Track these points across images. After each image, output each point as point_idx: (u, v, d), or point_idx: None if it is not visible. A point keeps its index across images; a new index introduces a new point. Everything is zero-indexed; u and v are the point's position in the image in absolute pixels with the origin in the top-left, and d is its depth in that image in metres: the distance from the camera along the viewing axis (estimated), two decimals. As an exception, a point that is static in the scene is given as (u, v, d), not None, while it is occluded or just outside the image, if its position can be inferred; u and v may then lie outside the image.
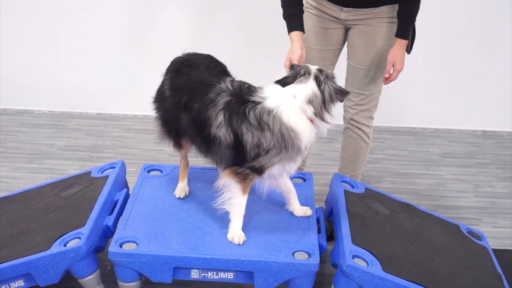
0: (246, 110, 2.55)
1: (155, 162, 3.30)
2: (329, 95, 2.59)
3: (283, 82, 2.64)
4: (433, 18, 4.39)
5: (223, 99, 2.59)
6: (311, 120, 2.59)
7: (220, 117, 2.58)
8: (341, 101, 2.69)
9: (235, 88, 2.63)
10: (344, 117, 3.38)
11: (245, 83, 2.68)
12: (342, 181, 3.15)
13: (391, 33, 3.06)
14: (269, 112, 2.54)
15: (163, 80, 2.94)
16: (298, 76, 2.62)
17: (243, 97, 2.58)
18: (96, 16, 4.46)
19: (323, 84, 2.60)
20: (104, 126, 4.56)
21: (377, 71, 3.15)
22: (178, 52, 4.50)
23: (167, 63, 4.52)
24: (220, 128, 2.59)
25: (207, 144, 2.68)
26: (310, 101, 2.57)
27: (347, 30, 3.16)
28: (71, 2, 4.41)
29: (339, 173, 3.41)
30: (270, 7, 3.40)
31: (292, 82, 2.62)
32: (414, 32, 3.12)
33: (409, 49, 3.13)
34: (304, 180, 3.19)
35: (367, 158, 3.48)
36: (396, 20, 3.02)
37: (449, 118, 4.74)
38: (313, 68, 2.64)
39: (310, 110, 2.57)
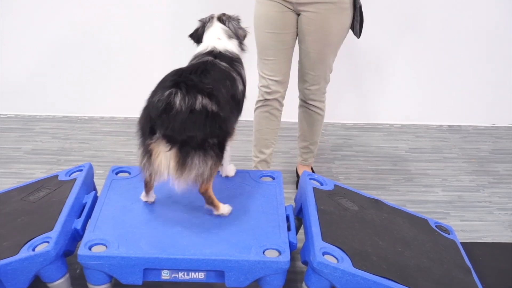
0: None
1: (123, 164, 3.27)
2: (235, 30, 3.04)
3: (197, 34, 3.07)
4: (399, 14, 4.44)
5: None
6: None
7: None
8: (245, 36, 3.08)
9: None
10: (299, 97, 3.61)
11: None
12: (310, 179, 3.16)
13: (339, 18, 3.25)
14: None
15: None
16: (205, 24, 3.05)
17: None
18: (60, 19, 4.41)
19: (227, 22, 3.04)
20: (71, 129, 4.52)
21: (329, 53, 3.37)
22: (145, 52, 4.51)
23: (131, 64, 4.54)
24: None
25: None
26: (229, 36, 3.01)
27: (299, 15, 3.30)
28: (32, 5, 4.37)
29: (298, 139, 3.79)
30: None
31: (203, 30, 3.04)
32: (362, 17, 3.32)
33: (358, 34, 3.35)
34: (273, 178, 3.19)
35: (323, 125, 3.73)
36: (343, 4, 3.21)
37: (415, 114, 4.79)
38: (216, 13, 3.08)
39: (235, 43, 3.01)
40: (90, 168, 3.17)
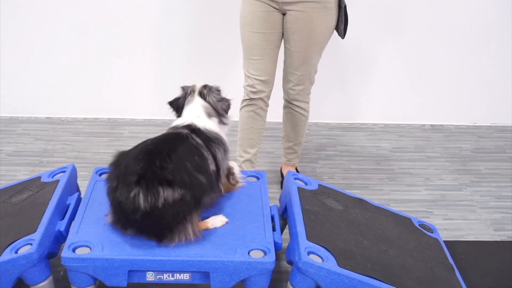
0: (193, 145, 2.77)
1: (107, 165, 3.25)
2: (215, 104, 2.96)
3: (177, 104, 3.01)
4: (381, 15, 4.46)
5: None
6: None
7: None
8: (228, 108, 3.00)
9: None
10: (284, 98, 3.62)
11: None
12: (295, 179, 3.16)
13: (324, 17, 3.27)
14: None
15: None
16: (186, 96, 2.98)
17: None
18: (42, 20, 4.39)
19: (207, 96, 2.96)
20: (53, 130, 4.49)
21: (313, 53, 3.39)
22: (128, 54, 4.49)
23: (115, 65, 4.52)
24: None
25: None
26: (209, 114, 2.93)
27: (284, 15, 3.32)
28: (12, 5, 4.34)
29: (283, 140, 3.82)
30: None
31: (184, 102, 2.98)
32: (346, 18, 3.34)
33: (342, 34, 3.38)
34: (258, 178, 3.19)
35: (307, 126, 3.75)
36: (328, 4, 3.24)
37: (398, 114, 4.81)
38: (198, 86, 3.00)
39: (214, 121, 2.94)
40: (74, 170, 3.15)
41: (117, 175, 2.63)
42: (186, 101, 2.97)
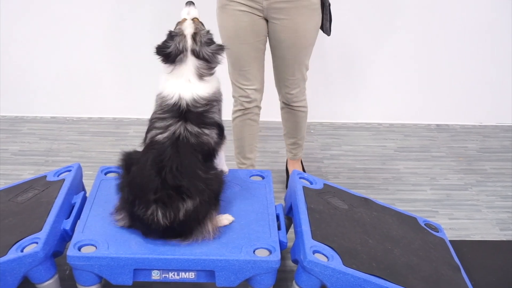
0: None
1: (112, 165, 3.26)
2: (209, 58, 2.69)
3: (166, 54, 2.68)
4: (385, 12, 4.45)
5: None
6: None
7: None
8: (222, 53, 2.73)
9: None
10: (280, 100, 3.58)
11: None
12: (300, 178, 3.15)
13: (311, 20, 3.25)
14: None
15: None
16: (178, 53, 2.67)
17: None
18: (43, 17, 4.39)
19: (201, 52, 2.66)
20: (58, 130, 4.50)
21: (304, 56, 3.37)
22: (133, 53, 4.49)
23: (120, 65, 4.52)
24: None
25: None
26: (200, 76, 2.68)
27: (268, 22, 3.28)
28: (19, 3, 4.35)
29: (285, 137, 3.78)
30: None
31: (174, 59, 2.67)
32: (330, 15, 3.32)
33: (329, 32, 3.36)
34: (263, 177, 3.19)
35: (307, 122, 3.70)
36: (313, 6, 3.22)
37: (403, 113, 4.80)
38: (189, 40, 2.67)
39: (206, 79, 2.69)
40: (79, 169, 3.15)
41: (132, 189, 2.64)
42: (178, 59, 2.68)
